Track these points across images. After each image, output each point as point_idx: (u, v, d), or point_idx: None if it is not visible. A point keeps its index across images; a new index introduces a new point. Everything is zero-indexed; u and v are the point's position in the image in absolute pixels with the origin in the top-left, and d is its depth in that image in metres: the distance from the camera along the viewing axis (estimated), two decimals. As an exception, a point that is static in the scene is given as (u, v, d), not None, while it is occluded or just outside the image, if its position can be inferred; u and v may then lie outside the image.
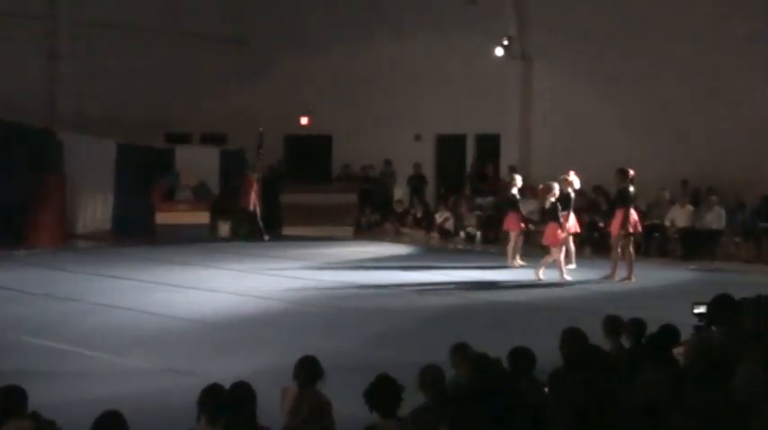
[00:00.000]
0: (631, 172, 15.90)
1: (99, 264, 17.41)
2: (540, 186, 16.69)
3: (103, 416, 5.02)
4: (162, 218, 22.10)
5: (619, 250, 15.90)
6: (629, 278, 15.68)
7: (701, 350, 5.49)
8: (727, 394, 4.53)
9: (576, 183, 16.90)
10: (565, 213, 16.70)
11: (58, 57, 24.14)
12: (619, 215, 15.82)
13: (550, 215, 16.22)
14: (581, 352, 6.24)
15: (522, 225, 17.78)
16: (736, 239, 18.86)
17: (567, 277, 15.83)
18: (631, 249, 15.85)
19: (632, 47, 21.69)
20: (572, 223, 16.68)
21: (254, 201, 22.28)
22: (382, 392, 5.45)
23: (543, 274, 15.96)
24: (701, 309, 7.62)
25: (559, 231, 15.90)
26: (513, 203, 17.83)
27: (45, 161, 20.81)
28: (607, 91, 22.35)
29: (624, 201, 15.84)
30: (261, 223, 22.27)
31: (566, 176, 16.90)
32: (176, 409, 7.06)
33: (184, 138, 24.09)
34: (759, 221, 18.94)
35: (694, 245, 19.01)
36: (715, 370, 5.00)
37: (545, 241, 16.34)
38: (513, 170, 22.53)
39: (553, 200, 16.16)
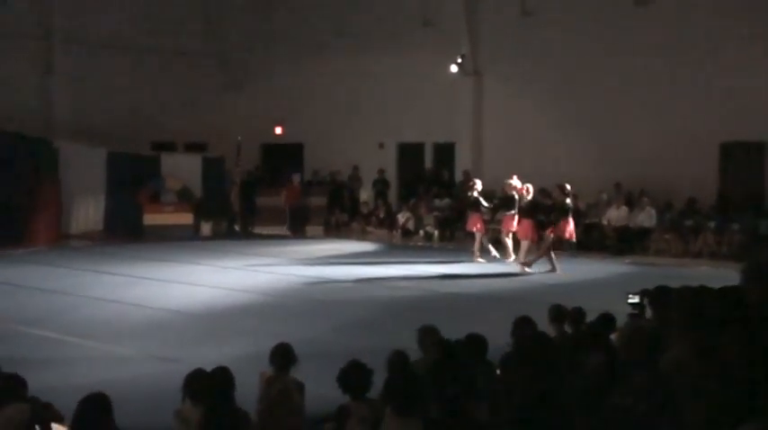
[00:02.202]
0: (568, 187, 16.31)
1: (91, 261, 17.23)
2: (520, 185, 16.88)
3: (88, 398, 4.94)
4: (149, 219, 21.95)
5: (550, 249, 16.12)
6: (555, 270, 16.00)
7: (632, 335, 5.52)
8: (659, 377, 4.55)
9: (519, 186, 17.12)
10: (511, 213, 16.96)
11: (53, 72, 23.90)
12: (564, 225, 16.15)
13: (527, 213, 16.40)
14: (530, 337, 6.26)
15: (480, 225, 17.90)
16: (666, 236, 19.05)
17: (528, 269, 16.08)
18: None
19: (571, 64, 21.89)
20: (515, 223, 16.96)
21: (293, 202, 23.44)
22: (353, 376, 5.44)
23: (531, 268, 16.09)
24: (635, 299, 7.68)
25: (531, 227, 16.26)
26: (475, 205, 17.89)
27: (42, 167, 20.55)
28: (549, 104, 22.50)
29: (562, 213, 16.22)
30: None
31: (509, 181, 17.11)
32: (162, 393, 6.98)
33: (169, 147, 23.92)
34: (685, 220, 19.15)
35: (629, 241, 19.20)
36: (645, 354, 5.03)
37: (519, 235, 16.60)
38: (468, 174, 22.74)
39: (530, 198, 16.43)
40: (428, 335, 6.50)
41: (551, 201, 16.81)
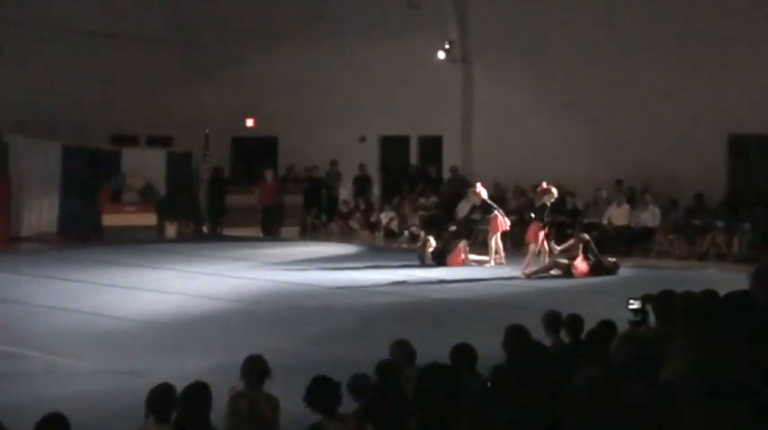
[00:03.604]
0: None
1: (45, 266, 17.14)
2: (544, 185, 16.80)
3: (46, 420, 4.94)
4: (109, 219, 21.86)
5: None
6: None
7: (625, 344, 5.57)
8: (660, 389, 4.59)
9: (484, 194, 17.99)
10: (494, 215, 17.54)
11: (1, 59, 23.71)
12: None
13: (537, 214, 16.49)
14: (523, 347, 6.29)
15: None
16: (670, 237, 19.14)
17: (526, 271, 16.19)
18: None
19: (567, 51, 21.96)
20: (500, 222, 17.59)
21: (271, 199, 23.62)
22: (320, 393, 5.47)
23: (530, 270, 16.15)
24: (637, 305, 7.71)
25: (540, 232, 16.28)
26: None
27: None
28: (544, 94, 22.58)
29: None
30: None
31: (473, 189, 18.15)
32: (124, 409, 6.98)
33: (131, 141, 23.83)
34: (692, 219, 19.24)
35: (630, 242, 19.29)
36: (640, 364, 5.07)
37: (527, 239, 16.71)
38: (455, 170, 22.87)
39: (545, 202, 16.43)
40: (401, 349, 6.60)
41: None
